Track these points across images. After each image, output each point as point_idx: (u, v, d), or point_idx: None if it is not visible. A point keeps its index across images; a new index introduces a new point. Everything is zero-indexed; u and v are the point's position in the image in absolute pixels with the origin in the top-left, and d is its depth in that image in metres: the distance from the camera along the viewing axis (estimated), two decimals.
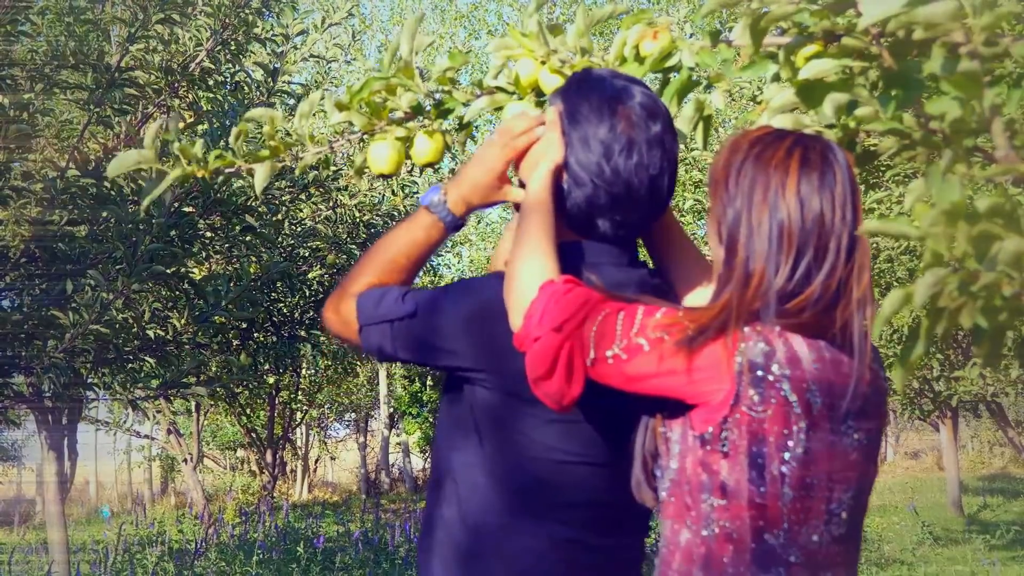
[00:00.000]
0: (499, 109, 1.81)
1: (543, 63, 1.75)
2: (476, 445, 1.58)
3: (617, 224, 1.59)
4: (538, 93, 1.80)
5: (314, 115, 1.85)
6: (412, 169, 8.40)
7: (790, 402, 1.36)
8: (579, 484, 1.57)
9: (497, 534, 1.56)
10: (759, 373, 1.35)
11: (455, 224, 1.66)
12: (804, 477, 1.37)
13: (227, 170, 1.87)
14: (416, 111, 1.83)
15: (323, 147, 1.87)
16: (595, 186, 1.56)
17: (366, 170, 1.87)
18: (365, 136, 1.83)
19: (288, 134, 1.86)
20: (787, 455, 1.36)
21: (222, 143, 1.90)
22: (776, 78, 1.57)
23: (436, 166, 1.89)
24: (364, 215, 8.06)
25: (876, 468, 1.48)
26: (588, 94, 1.58)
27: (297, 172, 1.85)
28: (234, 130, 1.86)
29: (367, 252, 1.70)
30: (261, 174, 1.87)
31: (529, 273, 1.47)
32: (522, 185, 1.65)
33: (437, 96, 1.84)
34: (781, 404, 1.35)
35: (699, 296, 1.62)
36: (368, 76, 1.80)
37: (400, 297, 1.60)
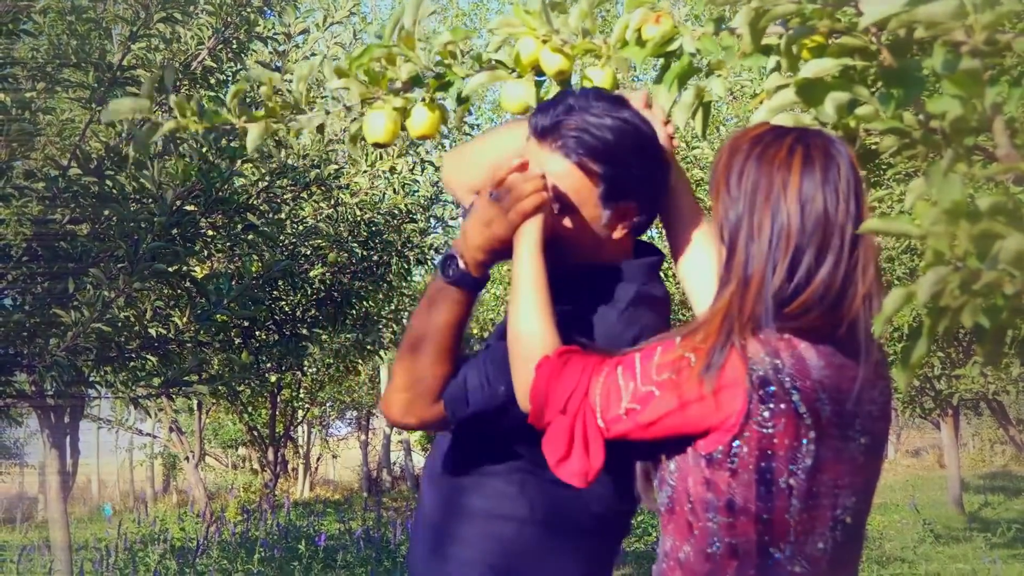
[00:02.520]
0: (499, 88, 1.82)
1: (544, 42, 1.74)
2: (528, 459, 1.60)
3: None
4: (538, 72, 1.78)
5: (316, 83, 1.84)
6: (414, 168, 8.40)
7: (800, 414, 1.33)
8: (619, 495, 1.63)
9: (575, 535, 1.65)
10: (770, 389, 1.32)
11: (479, 285, 1.61)
12: (811, 487, 1.35)
13: (222, 127, 1.84)
14: (415, 83, 1.81)
15: (319, 113, 1.86)
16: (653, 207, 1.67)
17: (361, 140, 1.84)
18: (364, 106, 1.82)
19: (284, 97, 1.86)
20: (794, 467, 1.34)
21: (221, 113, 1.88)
22: (777, 68, 1.56)
23: (430, 139, 1.88)
24: (365, 213, 8.05)
25: (881, 469, 1.46)
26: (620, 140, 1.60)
27: (291, 135, 1.84)
28: (231, 88, 1.85)
29: (413, 343, 1.61)
30: (254, 133, 1.84)
31: (526, 351, 1.47)
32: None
33: (438, 69, 1.82)
34: (791, 417, 1.33)
35: (698, 255, 1.65)
36: (370, 44, 1.80)
37: (482, 384, 1.58)
